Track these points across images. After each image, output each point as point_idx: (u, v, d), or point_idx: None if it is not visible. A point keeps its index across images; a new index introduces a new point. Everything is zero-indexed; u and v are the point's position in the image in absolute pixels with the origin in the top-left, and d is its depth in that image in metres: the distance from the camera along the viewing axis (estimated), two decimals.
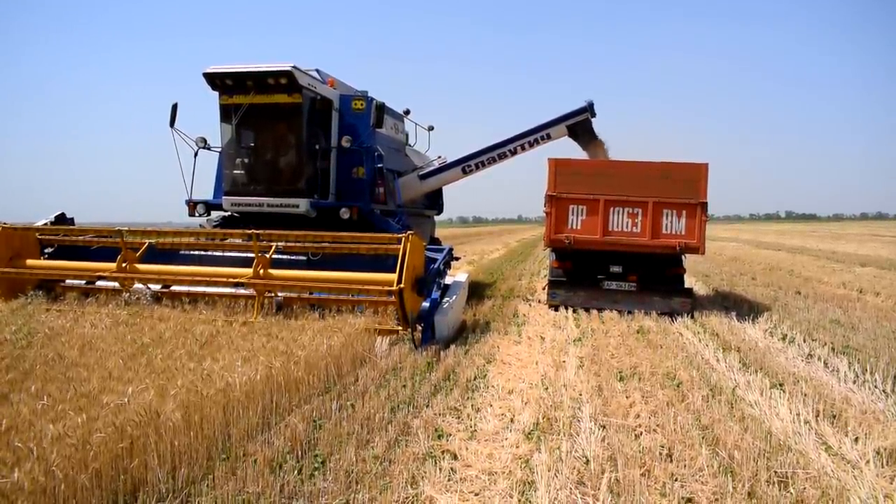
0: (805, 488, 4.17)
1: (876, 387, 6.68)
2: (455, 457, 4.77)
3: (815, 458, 4.70)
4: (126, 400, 4.56)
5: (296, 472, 4.37)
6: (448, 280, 10.21)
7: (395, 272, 8.43)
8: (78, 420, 4.12)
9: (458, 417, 5.68)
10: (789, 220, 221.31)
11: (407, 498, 4.07)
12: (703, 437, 5.09)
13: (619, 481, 4.27)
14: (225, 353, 6.22)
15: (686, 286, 12.29)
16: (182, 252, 10.34)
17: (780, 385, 6.67)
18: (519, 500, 4.08)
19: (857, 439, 5.14)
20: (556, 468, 4.50)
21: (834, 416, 5.70)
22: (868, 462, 4.70)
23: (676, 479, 4.32)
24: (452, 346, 8.27)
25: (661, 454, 4.75)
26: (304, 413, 5.46)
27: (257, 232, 9.12)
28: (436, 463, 4.60)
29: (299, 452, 4.71)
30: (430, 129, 16.06)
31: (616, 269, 11.93)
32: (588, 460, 4.65)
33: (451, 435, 5.20)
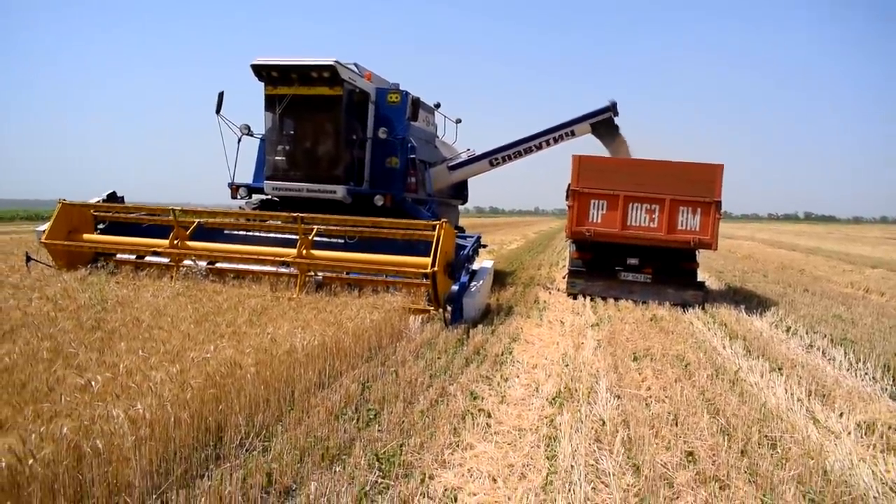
0: (790, 448, 4.88)
1: (866, 373, 7.38)
2: (489, 415, 5.50)
3: (803, 427, 5.41)
4: (209, 355, 5.31)
5: (354, 420, 5.11)
6: (475, 266, 10.94)
7: (425, 256, 9.19)
8: (173, 369, 4.88)
9: (490, 385, 6.41)
10: (808, 221, 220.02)
11: (451, 444, 4.80)
12: (705, 407, 5.80)
13: (631, 438, 4.99)
14: (281, 323, 6.97)
15: (699, 280, 12.95)
16: (226, 232, 11.12)
17: (780, 369, 7.37)
18: (545, 450, 4.80)
19: (841, 414, 5.84)
20: (577, 427, 5.23)
21: (824, 396, 6.39)
22: (849, 433, 5.41)
23: (680, 438, 5.03)
24: (480, 326, 9.00)
25: (667, 419, 5.46)
26: (354, 376, 6.22)
27: (302, 215, 9.87)
28: (473, 419, 5.34)
29: (354, 406, 5.46)
30: (458, 122, 16.79)
31: (633, 261, 12.62)
32: (604, 422, 5.38)
33: (484, 398, 5.93)
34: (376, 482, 4.12)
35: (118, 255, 11.08)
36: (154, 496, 3.69)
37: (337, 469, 4.23)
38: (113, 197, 12.23)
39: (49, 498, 3.26)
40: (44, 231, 10.85)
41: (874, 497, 4.23)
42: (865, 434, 5.42)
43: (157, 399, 4.20)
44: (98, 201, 11.91)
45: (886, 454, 4.99)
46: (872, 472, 4.60)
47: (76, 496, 3.40)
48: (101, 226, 11.52)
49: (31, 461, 3.22)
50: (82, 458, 3.48)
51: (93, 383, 4.36)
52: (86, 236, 11.05)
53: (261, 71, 11.66)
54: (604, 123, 13.94)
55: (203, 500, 3.65)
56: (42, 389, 4.31)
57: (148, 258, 10.92)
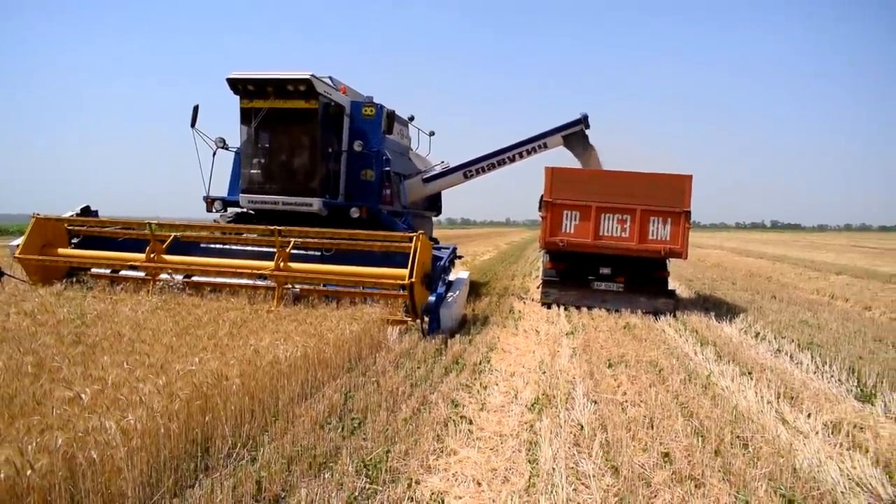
0: (761, 447, 5.07)
1: (832, 376, 7.64)
2: (471, 422, 5.63)
3: (773, 428, 5.62)
4: (194, 367, 5.37)
5: (339, 429, 5.21)
6: (451, 277, 11.08)
7: (402, 268, 9.32)
8: (160, 381, 4.94)
9: (470, 393, 6.53)
10: (774, 229, 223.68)
11: (435, 450, 4.91)
12: (679, 410, 5.98)
13: (609, 441, 5.15)
14: (262, 335, 7.03)
15: (670, 288, 13.21)
16: (202, 245, 11.14)
17: (749, 373, 7.59)
18: (527, 454, 4.93)
19: (809, 415, 6.06)
20: (556, 431, 5.38)
21: (792, 398, 6.62)
22: (817, 432, 5.63)
23: (656, 440, 5.19)
24: (457, 336, 9.14)
25: (643, 422, 5.63)
26: (336, 386, 6.31)
27: (279, 228, 9.94)
28: (455, 425, 5.46)
29: (338, 416, 5.55)
30: (431, 134, 16.95)
31: (605, 270, 12.85)
32: (582, 426, 5.53)
33: (465, 406, 6.06)
34: (364, 488, 4.22)
35: (92, 270, 11.04)
36: None
37: (325, 476, 4.33)
38: (87, 211, 12.17)
39: None
40: (17, 246, 10.78)
41: (841, 492, 4.42)
42: (832, 433, 5.64)
43: (147, 410, 4.27)
44: (72, 215, 11.85)
45: (852, 452, 5.21)
46: (839, 468, 4.81)
47: None
48: (75, 240, 11.48)
49: (29, 472, 3.28)
50: (77, 469, 3.54)
51: (82, 396, 4.41)
52: (60, 251, 11.00)
53: (237, 84, 11.72)
54: (575, 136, 14.19)
55: None
56: (30, 403, 4.35)
57: (123, 272, 10.90)
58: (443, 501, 4.12)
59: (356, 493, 4.13)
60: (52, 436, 3.65)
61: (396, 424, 5.38)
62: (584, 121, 14.11)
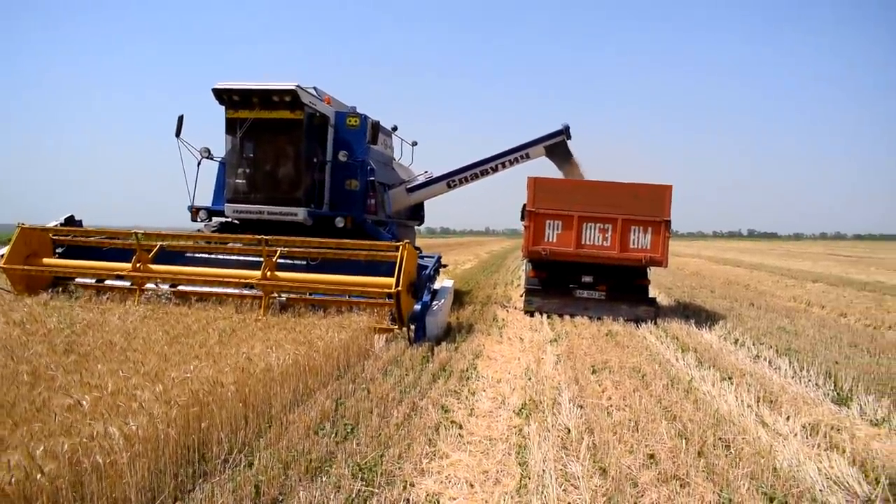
0: (743, 448, 5.25)
1: (810, 380, 7.86)
2: (461, 427, 5.76)
3: (753, 430, 5.81)
4: (189, 375, 5.46)
5: (332, 435, 5.32)
6: (436, 285, 11.21)
7: (387, 277, 9.44)
8: (157, 388, 5.03)
9: (458, 399, 6.66)
10: (751, 238, 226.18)
11: (427, 454, 5.04)
12: (663, 414, 6.16)
13: (596, 444, 5.30)
14: (252, 343, 7.12)
15: (650, 296, 13.44)
16: (188, 254, 11.18)
17: (730, 378, 7.79)
18: (516, 457, 5.08)
19: (788, 417, 6.26)
20: (544, 435, 5.52)
21: (772, 402, 6.82)
22: (795, 434, 5.82)
23: (641, 442, 5.36)
24: (443, 344, 9.26)
25: (629, 425, 5.80)
26: (327, 392, 6.42)
27: (266, 238, 10.02)
28: (446, 430, 5.59)
29: (331, 421, 5.66)
30: (414, 144, 17.11)
31: (587, 279, 13.04)
32: (570, 430, 5.68)
33: (454, 411, 6.20)
34: (361, 490, 4.33)
35: (77, 279, 11.04)
36: None
37: (322, 479, 4.44)
38: (71, 221, 12.16)
39: None
40: (2, 255, 10.77)
41: (819, 490, 4.61)
42: (810, 435, 5.84)
43: (148, 417, 4.36)
44: (56, 225, 11.85)
45: (829, 452, 5.41)
46: (817, 468, 4.99)
47: None
48: (59, 250, 11.47)
49: (38, 475, 3.37)
50: (82, 474, 3.63)
51: (82, 403, 4.49)
52: (45, 260, 11.00)
53: (222, 95, 11.81)
54: (557, 146, 14.40)
55: None
56: (31, 410, 4.43)
57: (109, 282, 10.91)
58: (438, 502, 4.24)
59: (353, 496, 4.24)
60: (56, 441, 3.74)
61: (389, 429, 5.50)
62: (565, 132, 14.32)
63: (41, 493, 3.35)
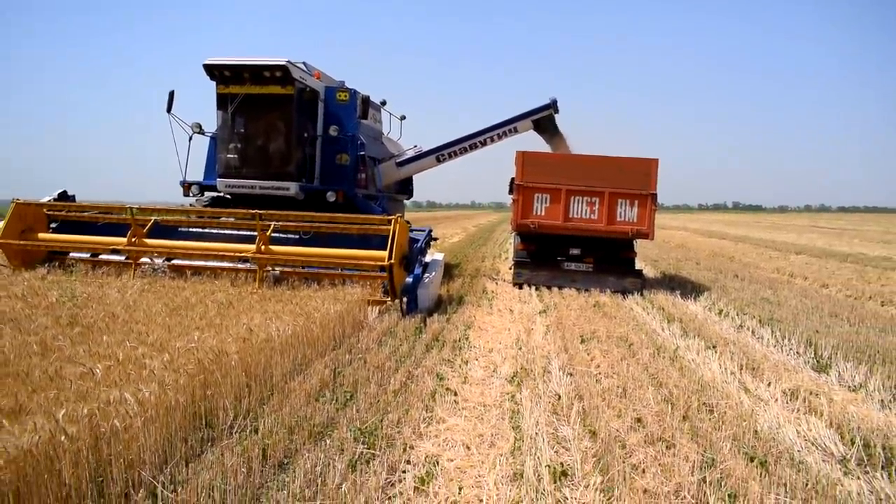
0: (726, 412, 5.52)
1: (791, 349, 8.16)
2: (455, 393, 5.99)
3: (736, 395, 6.08)
4: (194, 345, 5.64)
5: (332, 402, 5.52)
6: (427, 258, 11.40)
7: (379, 250, 9.62)
8: (164, 358, 5.21)
9: (452, 367, 6.89)
10: (736, 210, 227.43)
11: (425, 419, 5.27)
12: (649, 381, 6.42)
13: (585, 409, 5.55)
14: (252, 314, 7.30)
15: (637, 268, 13.71)
16: (181, 229, 11.30)
17: (714, 347, 8.06)
18: (509, 422, 5.31)
19: (769, 384, 6.54)
20: (536, 401, 5.76)
21: (754, 369, 7.10)
22: (776, 399, 6.10)
23: (629, 407, 5.61)
24: (435, 315, 9.48)
25: (617, 392, 6.05)
26: (325, 362, 6.62)
27: (260, 212, 10.16)
28: (441, 397, 5.82)
29: (331, 389, 5.87)
30: (403, 118, 17.22)
31: (575, 251, 13.29)
32: (560, 396, 5.93)
33: (448, 379, 6.42)
34: (363, 453, 4.55)
35: (72, 254, 11.14)
36: (166, 469, 4.06)
37: (326, 443, 4.65)
38: (64, 196, 12.24)
39: (75, 471, 3.60)
40: None
41: (798, 450, 4.88)
42: (790, 400, 6.12)
43: (158, 384, 4.55)
44: (49, 200, 11.92)
45: (808, 415, 5.69)
46: (796, 430, 5.27)
47: (97, 470, 3.75)
48: (53, 225, 11.56)
49: (62, 437, 3.56)
50: (101, 437, 3.82)
51: (95, 371, 4.67)
52: (41, 235, 11.10)
53: (213, 70, 11.86)
54: (545, 120, 14.56)
55: (207, 473, 4.02)
56: (45, 378, 4.60)
57: (104, 256, 11.02)
58: (437, 463, 4.47)
59: (356, 458, 4.45)
60: (75, 407, 3.92)
61: (387, 396, 5.72)
62: (553, 106, 14.48)
63: (64, 453, 3.54)
